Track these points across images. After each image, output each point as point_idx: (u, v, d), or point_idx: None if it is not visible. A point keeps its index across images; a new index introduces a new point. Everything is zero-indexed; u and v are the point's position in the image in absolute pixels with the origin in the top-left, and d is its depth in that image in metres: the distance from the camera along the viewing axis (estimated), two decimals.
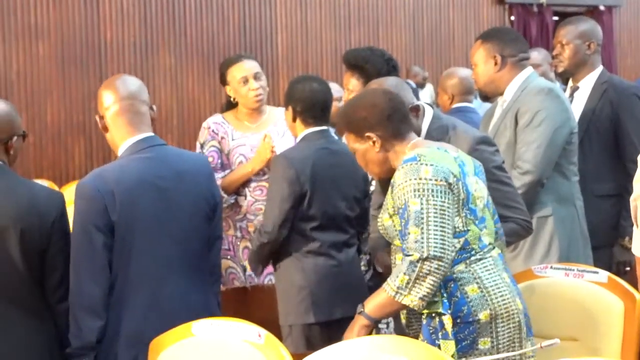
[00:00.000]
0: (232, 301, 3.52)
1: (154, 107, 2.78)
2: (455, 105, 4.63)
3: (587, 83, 3.79)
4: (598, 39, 3.81)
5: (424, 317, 2.47)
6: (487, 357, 2.40)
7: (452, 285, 2.45)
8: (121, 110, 2.69)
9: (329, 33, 9.03)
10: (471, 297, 2.44)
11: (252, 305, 3.58)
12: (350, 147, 2.61)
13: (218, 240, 2.83)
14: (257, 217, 3.77)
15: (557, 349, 2.29)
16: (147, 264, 2.62)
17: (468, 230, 2.48)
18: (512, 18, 10.18)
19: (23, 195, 2.60)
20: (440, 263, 2.37)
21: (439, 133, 2.82)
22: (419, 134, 2.81)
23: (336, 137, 3.54)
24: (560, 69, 3.83)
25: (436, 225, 2.39)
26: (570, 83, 3.88)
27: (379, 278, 3.04)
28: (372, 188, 3.32)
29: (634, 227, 2.24)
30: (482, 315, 2.44)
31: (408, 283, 2.38)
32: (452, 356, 2.40)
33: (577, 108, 3.72)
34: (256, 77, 3.82)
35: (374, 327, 2.50)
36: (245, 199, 3.79)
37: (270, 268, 3.47)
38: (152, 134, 2.72)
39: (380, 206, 2.68)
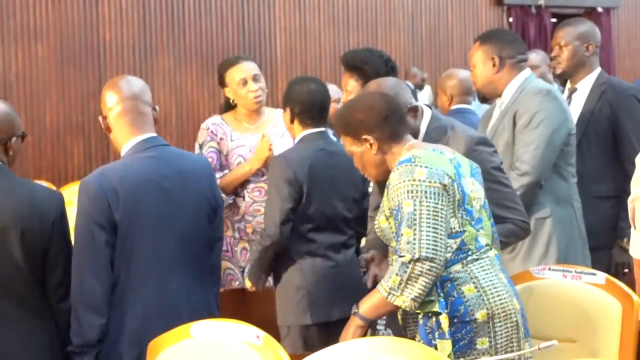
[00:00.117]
0: (230, 302, 3.52)
1: (157, 107, 2.80)
2: (454, 107, 4.63)
3: (586, 84, 3.79)
4: (596, 41, 3.81)
5: (420, 317, 2.48)
6: (486, 358, 2.40)
7: (449, 285, 2.46)
8: (124, 110, 2.70)
9: (328, 35, 9.03)
10: (468, 297, 2.45)
11: (250, 307, 3.58)
12: (347, 149, 2.62)
13: (219, 242, 2.84)
14: (256, 218, 3.77)
15: (555, 351, 2.29)
16: (150, 263, 2.63)
17: (464, 231, 2.48)
18: (511, 19, 10.19)
19: (23, 195, 2.60)
20: (432, 264, 2.38)
21: (437, 133, 2.82)
22: (417, 135, 2.82)
23: (335, 139, 3.54)
24: (558, 71, 3.83)
25: (429, 227, 2.40)
26: (568, 84, 3.88)
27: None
28: (370, 189, 3.32)
29: (632, 229, 2.25)
30: (479, 315, 2.45)
31: (400, 284, 2.39)
32: (449, 356, 2.41)
33: (575, 109, 3.72)
34: (255, 78, 3.82)
35: (368, 327, 2.51)
36: (244, 200, 3.79)
37: None
38: (155, 134, 2.74)
39: (377, 207, 2.68)
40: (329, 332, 3.23)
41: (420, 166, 2.45)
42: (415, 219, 2.40)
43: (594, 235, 3.50)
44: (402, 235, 2.42)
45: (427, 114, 2.89)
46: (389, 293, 2.41)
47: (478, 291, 2.46)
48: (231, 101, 3.89)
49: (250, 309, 3.53)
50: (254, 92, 3.81)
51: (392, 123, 2.57)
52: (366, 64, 3.57)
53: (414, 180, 2.43)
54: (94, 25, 7.88)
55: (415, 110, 2.83)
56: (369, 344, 2.28)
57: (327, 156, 3.30)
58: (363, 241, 3.37)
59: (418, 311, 2.46)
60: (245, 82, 3.81)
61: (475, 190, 2.55)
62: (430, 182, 2.43)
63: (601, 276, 2.72)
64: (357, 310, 2.49)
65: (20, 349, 2.58)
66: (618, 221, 3.61)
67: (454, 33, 9.80)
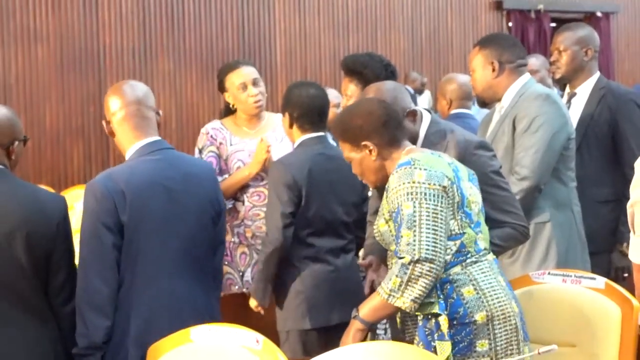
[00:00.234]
0: (230, 307, 3.52)
1: (160, 112, 2.82)
2: (453, 111, 4.64)
3: (585, 89, 3.79)
4: (595, 45, 3.82)
5: (419, 318, 2.48)
6: None
7: (448, 287, 2.47)
8: (128, 115, 2.72)
9: (328, 38, 9.05)
10: (467, 299, 2.46)
11: (250, 311, 3.58)
12: (346, 156, 2.62)
13: (221, 246, 2.86)
14: (255, 223, 3.77)
15: (554, 355, 2.29)
16: (155, 265, 2.64)
17: (464, 233, 2.49)
18: (510, 24, 10.21)
19: (28, 198, 2.61)
20: (431, 265, 2.38)
21: (436, 138, 2.83)
22: (416, 139, 2.82)
23: (334, 143, 3.54)
24: (557, 75, 3.84)
25: (428, 228, 2.40)
26: (567, 89, 3.89)
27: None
28: (369, 193, 3.32)
29: (631, 234, 2.25)
30: (479, 317, 2.45)
31: (400, 285, 2.40)
32: (448, 358, 2.41)
33: (574, 114, 3.73)
34: (255, 83, 3.82)
35: (369, 331, 2.51)
36: (243, 204, 3.79)
37: None
38: (159, 137, 2.76)
39: (376, 212, 2.69)
40: (328, 336, 3.23)
41: (420, 168, 2.46)
42: (415, 221, 2.41)
43: (593, 240, 3.50)
44: (401, 236, 2.42)
45: (427, 118, 2.89)
46: (389, 295, 2.41)
47: (477, 293, 2.47)
48: (231, 106, 3.89)
49: (249, 314, 3.52)
50: (254, 97, 3.81)
51: (391, 128, 2.57)
52: (366, 68, 3.58)
53: (413, 182, 2.44)
54: (94, 28, 7.89)
55: (414, 115, 2.84)
56: (367, 348, 2.28)
57: (326, 160, 3.30)
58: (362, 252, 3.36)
59: (418, 313, 2.47)
60: (245, 87, 3.82)
61: (473, 194, 2.56)
62: (429, 184, 2.44)
63: (601, 281, 2.72)
64: (357, 314, 2.49)
65: (23, 351, 2.58)
66: (618, 225, 3.62)
67: (454, 37, 9.81)
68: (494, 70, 3.41)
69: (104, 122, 2.79)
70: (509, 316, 2.49)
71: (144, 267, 2.63)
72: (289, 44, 8.84)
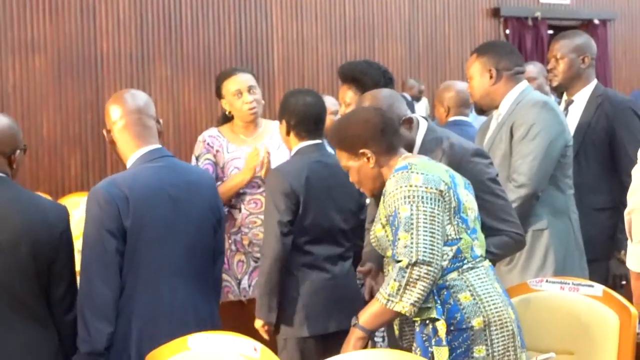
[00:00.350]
0: (227, 314, 3.51)
1: (161, 120, 2.83)
2: (451, 119, 4.64)
3: (582, 97, 3.80)
4: (592, 53, 3.82)
5: (417, 324, 2.48)
6: None
7: (445, 293, 2.47)
8: (128, 124, 2.73)
9: (325, 46, 9.06)
10: (464, 305, 2.46)
11: (248, 319, 3.57)
12: (344, 165, 2.63)
13: (221, 256, 2.88)
14: (252, 230, 3.77)
15: None
16: (157, 271, 2.65)
17: (460, 238, 2.50)
18: (507, 31, 10.23)
19: (31, 207, 2.63)
20: (429, 268, 2.39)
21: (433, 145, 2.83)
22: (412, 146, 2.83)
23: (332, 151, 3.54)
24: (554, 83, 3.84)
25: (425, 231, 2.41)
26: (564, 97, 3.89)
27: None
28: (367, 201, 3.32)
29: (629, 241, 2.25)
30: (476, 322, 2.45)
31: (399, 289, 2.40)
32: None
33: (572, 121, 3.73)
34: (250, 90, 3.83)
35: (369, 338, 2.51)
36: (240, 212, 3.79)
37: None
38: (160, 145, 2.78)
39: (374, 219, 2.68)
40: (326, 344, 3.22)
41: (417, 173, 2.47)
42: (412, 224, 2.42)
43: (591, 247, 3.50)
44: (399, 239, 2.43)
45: (423, 126, 2.90)
46: (388, 300, 2.42)
47: (474, 299, 2.47)
48: (227, 112, 3.90)
49: (247, 322, 3.52)
50: (249, 104, 3.82)
51: (388, 136, 2.59)
52: (365, 76, 3.58)
53: (410, 186, 2.45)
54: (92, 36, 7.89)
55: (410, 122, 2.84)
56: (367, 356, 2.28)
57: (323, 168, 3.30)
58: None
59: (416, 318, 2.46)
60: (240, 94, 3.82)
61: (469, 201, 2.57)
62: (426, 187, 2.45)
63: (599, 288, 2.72)
64: (357, 322, 2.49)
65: (23, 357, 2.58)
66: (615, 233, 3.62)
67: (451, 44, 9.83)
68: (491, 77, 3.42)
69: (104, 131, 2.80)
70: (506, 322, 2.49)
71: (146, 272, 2.63)
72: (287, 51, 8.85)
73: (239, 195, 3.80)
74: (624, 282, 3.60)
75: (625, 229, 2.29)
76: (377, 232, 2.58)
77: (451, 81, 5.20)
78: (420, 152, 2.81)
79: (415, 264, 2.39)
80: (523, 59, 3.60)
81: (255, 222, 3.77)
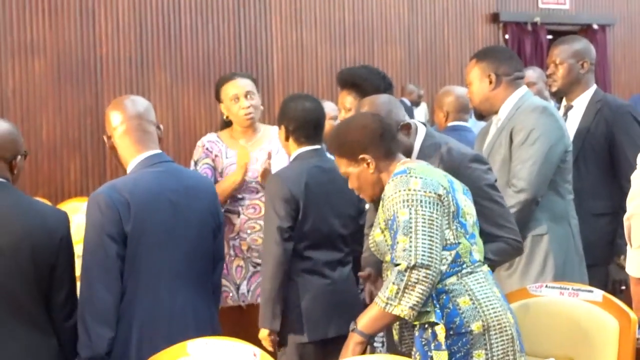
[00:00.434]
0: (226, 320, 3.51)
1: (161, 126, 2.83)
2: (450, 124, 4.64)
3: (581, 102, 3.80)
4: (591, 58, 3.83)
5: (416, 328, 2.48)
6: None
7: (444, 297, 2.47)
8: (129, 129, 2.74)
9: (324, 51, 9.06)
10: (463, 309, 2.46)
11: (247, 324, 3.57)
12: (343, 171, 2.63)
13: (220, 262, 2.88)
14: (251, 235, 3.77)
15: None
16: (157, 276, 2.65)
17: (459, 243, 2.50)
18: (507, 36, 10.24)
19: (31, 212, 2.63)
20: (428, 271, 2.39)
21: (431, 150, 2.84)
22: (411, 152, 2.84)
23: (331, 156, 3.54)
24: (554, 88, 3.85)
25: (424, 235, 2.41)
26: (564, 102, 3.89)
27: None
28: (366, 206, 3.31)
29: (628, 247, 2.25)
30: (475, 327, 2.45)
31: (397, 293, 2.40)
32: None
33: (571, 127, 3.73)
34: (247, 95, 3.83)
35: (368, 343, 2.50)
36: (239, 217, 3.79)
37: None
38: (160, 151, 2.79)
39: (373, 224, 2.69)
40: (325, 349, 3.23)
41: (415, 177, 2.48)
42: (411, 227, 2.42)
43: (591, 252, 3.49)
44: (397, 242, 2.43)
45: (422, 131, 2.90)
46: (387, 303, 2.41)
47: (473, 303, 2.47)
48: (225, 117, 3.91)
49: (246, 327, 3.51)
50: (245, 109, 3.82)
51: (387, 141, 2.60)
52: (365, 81, 3.58)
53: (409, 189, 2.45)
54: (91, 41, 7.90)
55: (408, 128, 2.85)
56: None
57: (322, 173, 3.30)
58: None
59: (415, 322, 2.46)
60: (237, 99, 3.83)
61: (468, 206, 2.58)
62: (425, 191, 2.45)
63: (598, 293, 2.72)
64: (355, 327, 2.48)
65: None
66: (615, 238, 3.62)
67: (450, 49, 9.84)
68: (491, 82, 3.42)
69: (104, 137, 2.80)
70: (505, 326, 2.50)
71: (146, 277, 2.64)
72: (286, 56, 8.86)
73: (237, 200, 3.80)
74: (623, 288, 3.60)
75: (624, 234, 2.30)
76: (375, 237, 2.58)
77: (450, 86, 5.19)
78: (419, 157, 2.81)
79: (414, 267, 2.39)
80: (522, 64, 3.60)
81: (254, 228, 3.77)
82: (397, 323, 2.56)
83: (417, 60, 9.69)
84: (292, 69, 8.90)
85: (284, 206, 3.21)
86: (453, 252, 2.49)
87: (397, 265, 2.42)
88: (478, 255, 2.56)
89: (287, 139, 3.38)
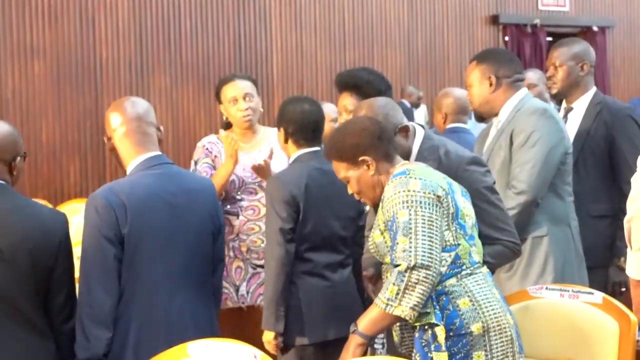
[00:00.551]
0: (226, 322, 3.51)
1: (161, 128, 2.83)
2: (449, 126, 4.64)
3: (581, 104, 3.80)
4: (591, 60, 3.83)
5: (416, 330, 2.48)
6: None
7: (444, 298, 2.48)
8: (129, 131, 2.74)
9: (324, 53, 9.07)
10: (463, 310, 2.47)
11: (247, 326, 3.57)
12: (343, 176, 2.64)
13: (221, 263, 2.87)
14: (250, 237, 3.77)
15: None
16: (155, 278, 2.65)
17: (458, 244, 2.51)
18: (506, 38, 10.25)
19: (30, 215, 2.63)
20: (428, 272, 2.39)
21: (429, 153, 2.84)
22: (409, 154, 2.84)
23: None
24: (553, 91, 3.85)
25: (424, 235, 2.42)
26: (564, 104, 3.90)
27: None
28: (366, 208, 3.31)
29: (628, 249, 2.25)
30: (475, 328, 2.46)
31: (398, 293, 2.40)
32: None
33: (571, 129, 3.73)
34: (246, 97, 3.83)
35: (368, 344, 2.50)
36: (238, 218, 3.79)
37: (262, 289, 3.45)
38: (159, 152, 2.78)
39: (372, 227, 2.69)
40: (325, 352, 3.22)
41: (415, 178, 2.49)
42: (410, 228, 2.42)
43: (591, 254, 3.49)
44: (397, 243, 2.43)
45: (420, 134, 2.90)
46: (387, 304, 2.42)
47: (473, 305, 2.48)
48: (224, 118, 3.91)
49: (246, 329, 3.51)
50: (243, 111, 3.82)
51: (385, 142, 2.61)
52: (367, 83, 3.58)
53: (408, 190, 2.46)
54: (91, 43, 7.91)
55: (406, 130, 2.85)
56: None
57: (322, 175, 3.30)
58: None
59: (415, 324, 2.47)
60: (235, 101, 3.83)
61: (466, 207, 2.59)
62: (424, 192, 2.46)
63: (598, 295, 2.72)
64: (356, 329, 2.48)
65: None
66: (615, 240, 3.62)
67: (450, 51, 9.84)
68: (491, 85, 3.42)
69: (104, 138, 2.80)
70: (505, 328, 2.50)
71: (144, 279, 2.63)
72: (286, 59, 8.86)
73: (236, 201, 3.80)
74: (623, 290, 3.60)
75: (624, 236, 2.30)
76: (375, 238, 2.58)
77: (449, 88, 5.20)
78: (417, 160, 2.82)
79: (414, 267, 2.39)
80: (522, 67, 3.60)
81: (253, 229, 3.77)
82: (397, 324, 2.56)
83: (417, 62, 9.69)
84: (292, 72, 8.90)
85: (285, 208, 3.21)
86: (452, 254, 2.50)
87: (397, 266, 2.42)
88: (477, 256, 2.56)
89: (286, 141, 3.38)
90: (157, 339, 2.60)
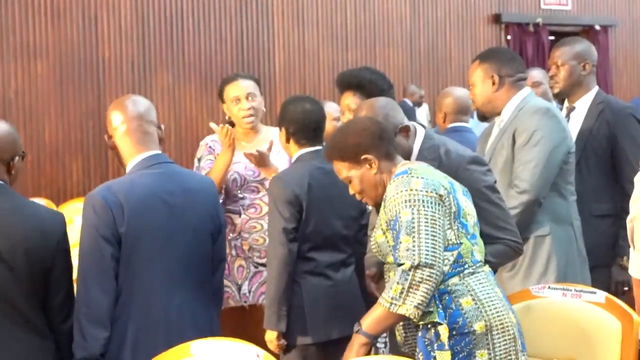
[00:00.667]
0: (228, 321, 3.51)
1: (162, 126, 2.83)
2: (451, 125, 4.64)
3: (583, 103, 3.80)
4: (593, 60, 3.83)
5: (419, 329, 2.48)
6: None
7: (447, 297, 2.48)
8: (129, 130, 2.74)
9: (327, 53, 9.07)
10: (466, 309, 2.47)
11: (249, 325, 3.57)
12: (345, 176, 2.64)
13: (222, 262, 2.86)
14: (252, 235, 3.77)
15: None
16: (153, 278, 2.65)
17: (461, 243, 2.51)
18: (509, 37, 10.24)
19: (28, 215, 2.62)
20: (431, 271, 2.40)
21: (430, 153, 2.84)
22: (410, 154, 2.84)
23: None
24: (556, 90, 3.85)
25: (427, 234, 2.42)
26: (566, 103, 3.89)
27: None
28: (369, 207, 3.32)
29: (631, 249, 2.25)
30: (477, 327, 2.46)
31: (402, 292, 2.40)
32: None
33: (573, 128, 3.73)
34: (249, 97, 3.84)
35: (372, 344, 2.51)
36: (240, 217, 3.80)
37: (264, 287, 3.46)
38: (159, 151, 2.78)
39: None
40: (328, 351, 3.23)
41: (417, 177, 2.50)
42: (414, 227, 2.43)
43: (593, 254, 3.49)
44: (401, 242, 2.44)
45: (420, 134, 2.91)
46: (391, 303, 2.42)
47: (475, 303, 2.48)
48: (227, 117, 3.92)
49: (248, 328, 3.51)
50: (245, 111, 3.82)
51: (386, 141, 2.62)
52: (370, 82, 3.58)
53: (411, 190, 2.47)
54: (93, 42, 7.91)
55: (407, 131, 2.85)
56: None
57: (324, 175, 3.30)
58: None
59: (418, 323, 2.47)
60: (238, 100, 3.84)
61: (468, 207, 2.59)
62: (426, 191, 2.47)
63: (601, 295, 2.72)
64: (359, 328, 2.48)
65: None
66: (618, 240, 3.61)
67: (452, 50, 9.84)
68: (493, 84, 3.42)
69: (105, 137, 2.81)
70: (507, 326, 2.50)
71: (142, 279, 2.63)
72: (288, 58, 8.86)
73: (238, 200, 3.80)
74: (626, 289, 3.60)
75: (627, 235, 2.30)
76: (377, 238, 2.58)
77: (450, 88, 5.20)
78: (418, 159, 2.82)
79: (417, 266, 2.39)
80: (525, 66, 3.60)
81: (255, 227, 3.77)
82: (400, 324, 2.56)
83: (419, 61, 9.69)
84: (294, 71, 8.90)
85: (288, 208, 3.21)
86: (455, 253, 2.50)
87: (400, 265, 2.43)
88: (479, 255, 2.57)
89: (287, 141, 3.38)
90: (155, 339, 2.60)
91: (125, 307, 2.62)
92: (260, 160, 3.66)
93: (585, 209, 3.54)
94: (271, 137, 3.88)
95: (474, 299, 2.48)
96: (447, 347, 2.43)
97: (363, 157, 2.59)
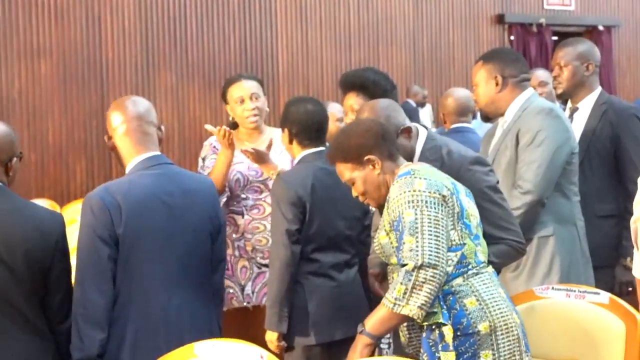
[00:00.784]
0: (232, 322, 3.51)
1: (162, 127, 2.83)
2: (453, 126, 4.65)
3: (587, 104, 3.80)
4: (596, 60, 3.83)
5: (423, 330, 2.49)
6: None
7: (451, 298, 2.48)
8: (129, 130, 2.74)
9: (330, 53, 9.07)
10: (470, 310, 2.47)
11: (253, 326, 3.57)
12: (348, 178, 2.64)
13: (222, 263, 2.86)
14: (255, 236, 3.78)
15: None
16: (152, 279, 2.64)
17: (464, 244, 2.51)
18: (512, 37, 10.23)
19: (27, 216, 2.62)
20: (435, 271, 2.40)
21: (432, 153, 2.85)
22: (412, 155, 2.85)
23: None
24: (559, 91, 3.85)
25: (430, 235, 2.42)
26: (569, 104, 3.89)
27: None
28: (372, 209, 3.32)
29: (635, 250, 2.25)
30: (482, 327, 2.46)
31: (405, 293, 2.40)
32: None
33: (576, 129, 3.73)
34: (252, 97, 3.84)
35: (376, 345, 2.51)
36: (243, 217, 3.80)
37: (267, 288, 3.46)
38: (159, 152, 2.77)
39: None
40: (332, 352, 3.23)
41: (420, 178, 2.50)
42: (417, 227, 2.43)
43: (597, 254, 3.49)
44: (404, 243, 2.44)
45: (423, 134, 2.91)
46: (395, 304, 2.42)
47: (480, 304, 2.48)
48: (230, 118, 3.92)
49: (252, 329, 3.51)
50: (250, 112, 3.83)
51: (388, 142, 2.62)
52: (373, 83, 3.58)
53: (414, 190, 2.47)
54: (97, 43, 7.91)
55: (408, 132, 2.86)
56: None
57: (327, 176, 3.30)
58: None
59: (422, 323, 2.47)
60: (242, 101, 3.84)
61: (471, 207, 2.60)
62: (430, 192, 2.47)
63: (605, 295, 2.72)
64: (363, 329, 2.48)
65: None
66: (621, 240, 3.61)
67: (456, 51, 9.84)
68: (497, 84, 3.42)
69: (105, 137, 2.80)
70: (511, 327, 2.51)
71: (141, 280, 2.63)
72: (291, 58, 8.86)
73: (241, 200, 3.80)
74: (630, 290, 3.59)
75: (630, 236, 2.30)
76: (381, 239, 2.59)
77: (451, 89, 5.20)
78: (420, 160, 2.83)
79: (421, 266, 2.40)
80: (528, 66, 3.60)
81: (258, 228, 3.78)
82: (404, 324, 2.56)
83: (422, 61, 9.69)
84: (297, 71, 8.91)
85: (291, 209, 3.21)
86: (459, 253, 2.50)
87: (404, 265, 2.43)
88: (482, 256, 2.57)
89: (290, 142, 3.38)
90: (155, 340, 2.59)
91: (125, 307, 2.62)
92: (258, 157, 3.66)
93: (589, 209, 3.54)
94: (274, 137, 3.88)
95: (478, 300, 2.48)
96: (451, 347, 2.44)
97: (366, 157, 2.59)
